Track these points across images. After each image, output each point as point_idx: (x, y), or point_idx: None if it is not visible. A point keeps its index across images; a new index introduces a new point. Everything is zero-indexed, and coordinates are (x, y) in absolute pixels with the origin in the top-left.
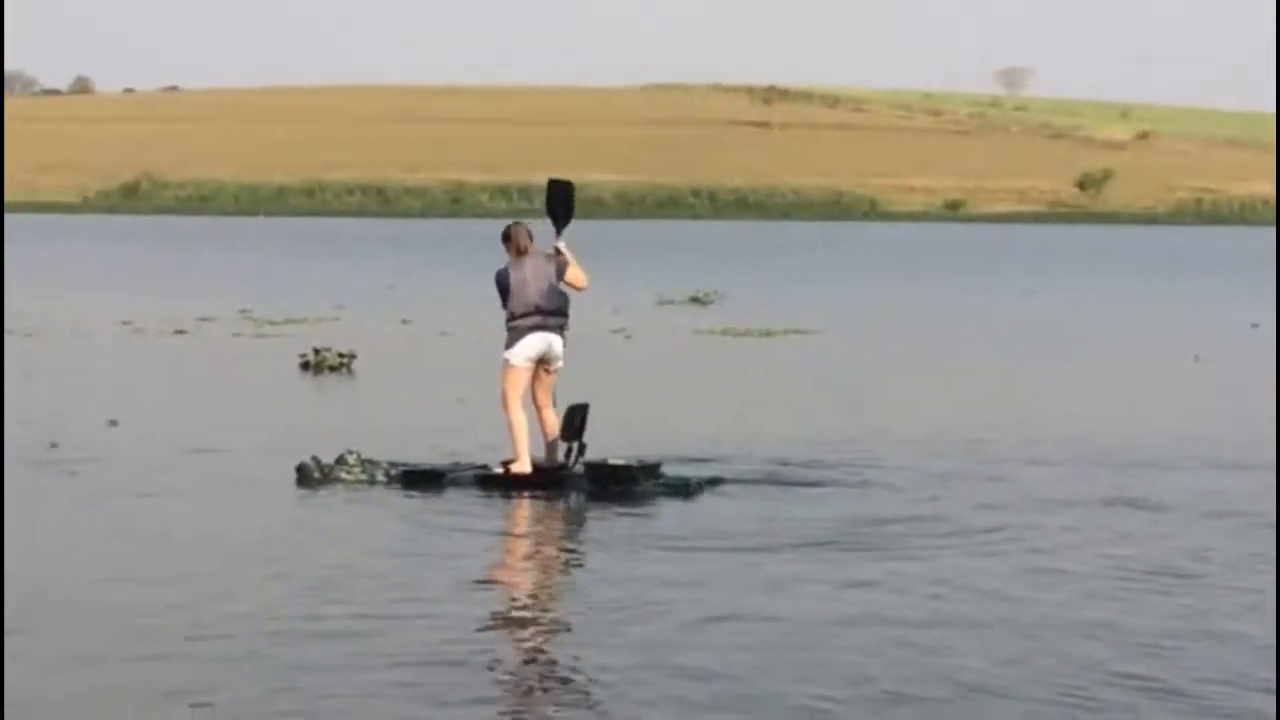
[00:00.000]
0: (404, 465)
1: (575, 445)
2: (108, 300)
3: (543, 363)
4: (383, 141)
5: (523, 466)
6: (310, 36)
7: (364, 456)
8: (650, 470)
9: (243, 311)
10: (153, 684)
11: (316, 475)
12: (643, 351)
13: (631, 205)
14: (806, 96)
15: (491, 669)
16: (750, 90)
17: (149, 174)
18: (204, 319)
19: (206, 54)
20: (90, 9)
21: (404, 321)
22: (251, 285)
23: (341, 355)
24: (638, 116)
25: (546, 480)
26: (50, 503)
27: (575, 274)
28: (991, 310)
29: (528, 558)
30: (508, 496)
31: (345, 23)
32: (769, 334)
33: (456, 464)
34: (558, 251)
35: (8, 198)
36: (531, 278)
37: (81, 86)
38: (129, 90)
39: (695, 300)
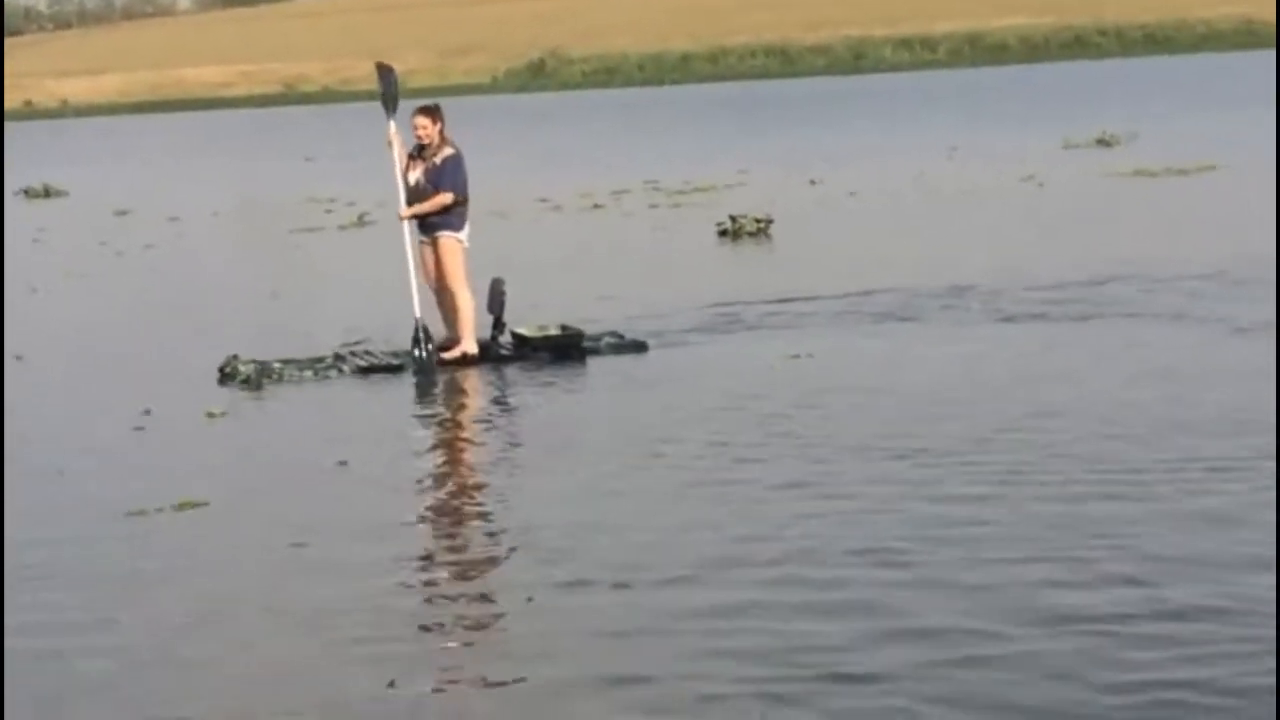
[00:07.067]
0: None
1: (496, 320)
2: (524, 179)
3: None
4: (782, 2)
5: (472, 347)
6: None
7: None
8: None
9: (649, 182)
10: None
11: (249, 378)
12: (1057, 198)
13: (1036, 49)
14: None
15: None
16: None
17: (554, 51)
18: (618, 192)
19: None
20: None
21: (812, 182)
22: (658, 155)
23: (758, 221)
24: None
25: (495, 357)
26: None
27: None
28: None
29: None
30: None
31: None
32: (1182, 172)
33: (396, 353)
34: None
35: (421, 82)
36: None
37: None
38: None
39: (1101, 142)
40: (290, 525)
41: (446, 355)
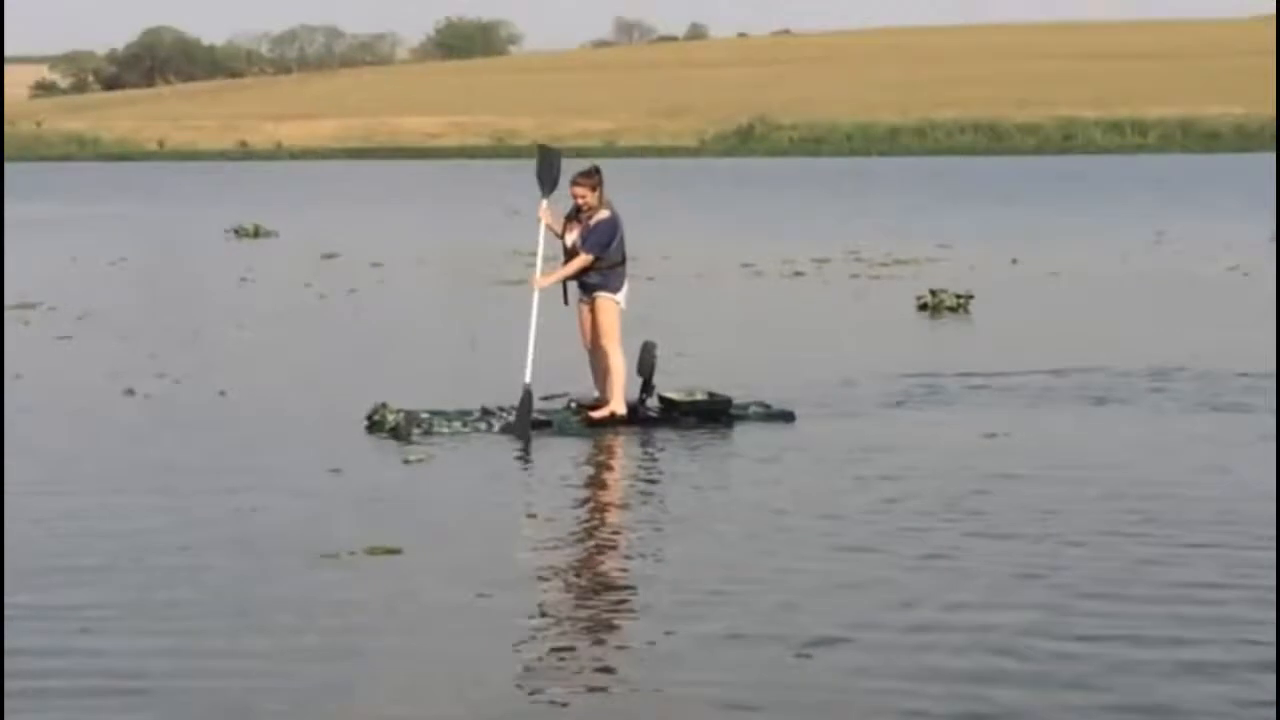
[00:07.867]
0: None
1: (645, 382)
2: (727, 243)
3: None
4: (994, 79)
5: (621, 408)
6: None
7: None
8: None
9: (851, 251)
10: None
11: (396, 427)
12: (1263, 288)
13: (1249, 138)
14: None
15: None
16: None
17: (763, 117)
18: (819, 260)
19: None
20: None
21: (1014, 261)
22: (861, 225)
23: (959, 297)
24: (1251, 47)
25: (642, 419)
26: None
27: None
28: None
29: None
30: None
31: None
32: None
33: (544, 410)
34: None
35: (629, 141)
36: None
37: (697, 32)
38: (743, 35)
39: None
40: (477, 576)
41: (595, 415)
